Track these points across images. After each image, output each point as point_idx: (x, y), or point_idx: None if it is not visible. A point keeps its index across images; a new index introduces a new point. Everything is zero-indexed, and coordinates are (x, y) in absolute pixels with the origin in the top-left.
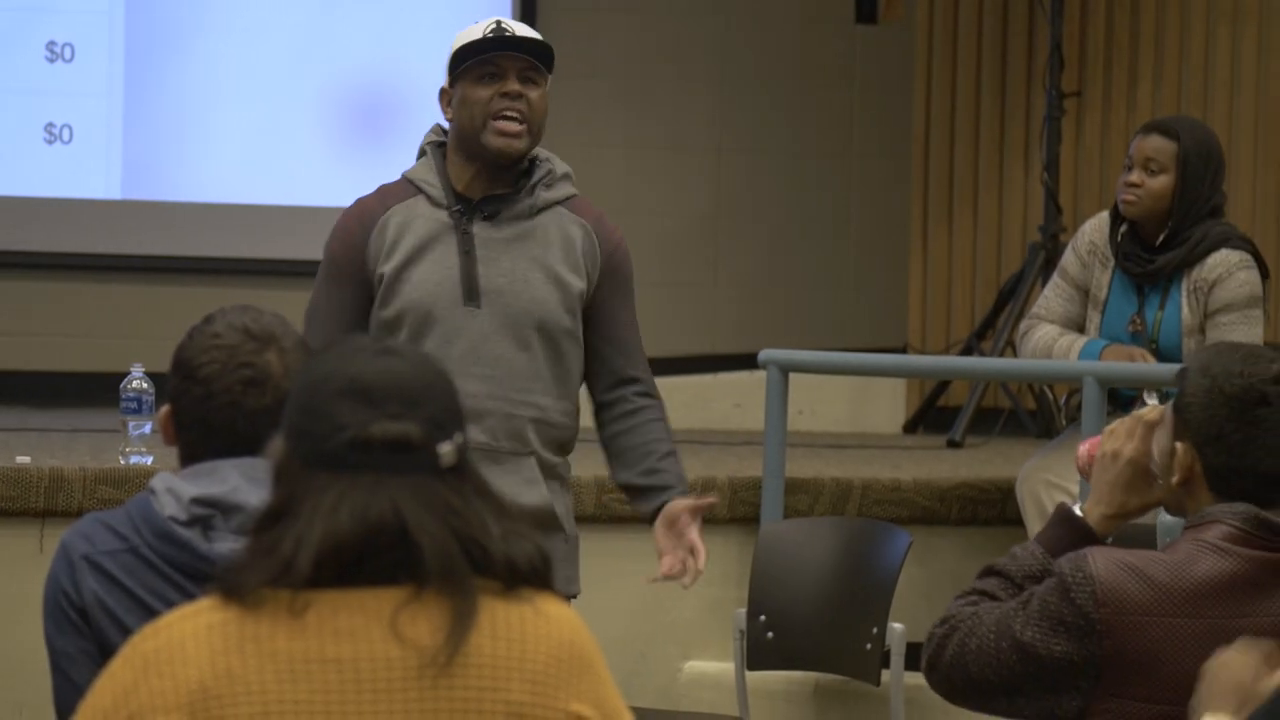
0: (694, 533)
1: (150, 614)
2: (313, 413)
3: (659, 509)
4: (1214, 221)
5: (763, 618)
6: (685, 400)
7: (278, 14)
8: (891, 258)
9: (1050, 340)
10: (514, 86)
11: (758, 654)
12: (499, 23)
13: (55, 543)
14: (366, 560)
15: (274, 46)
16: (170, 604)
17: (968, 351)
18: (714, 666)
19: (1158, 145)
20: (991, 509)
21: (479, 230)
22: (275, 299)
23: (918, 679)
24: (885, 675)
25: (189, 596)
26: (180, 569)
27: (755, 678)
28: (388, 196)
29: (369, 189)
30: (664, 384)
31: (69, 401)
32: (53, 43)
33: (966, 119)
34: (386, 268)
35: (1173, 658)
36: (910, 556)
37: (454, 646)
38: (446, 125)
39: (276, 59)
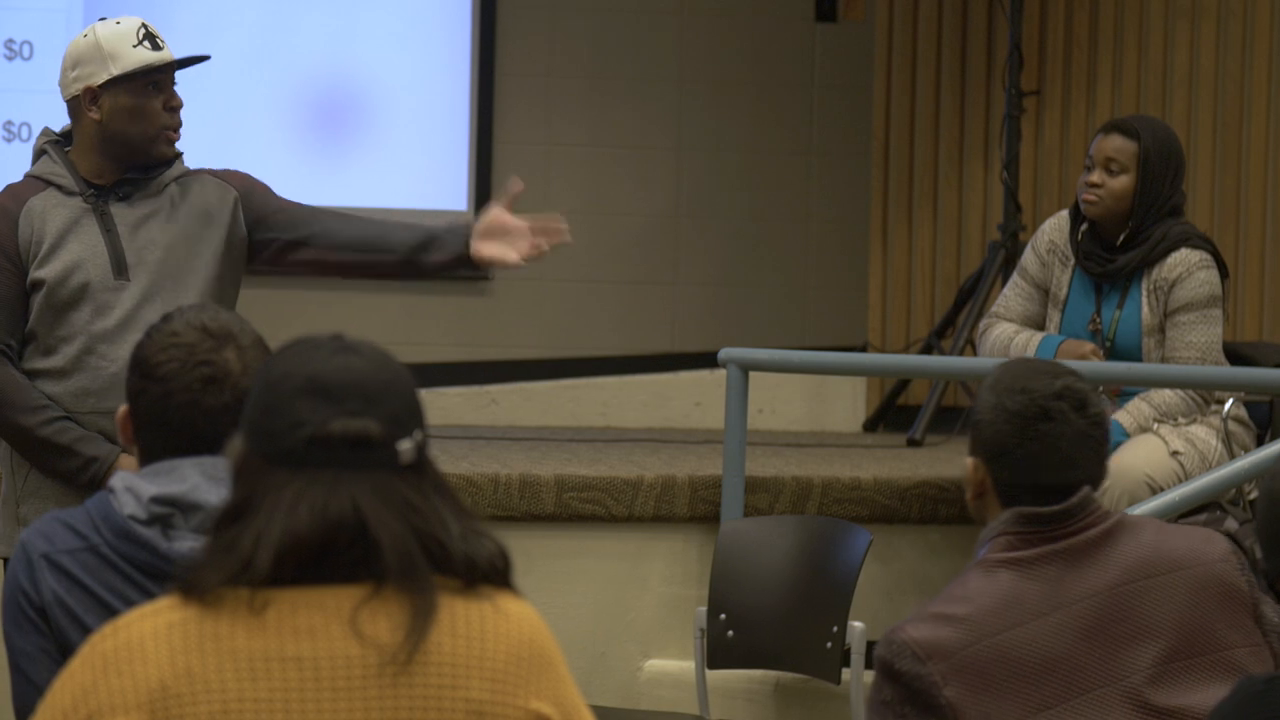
0: (522, 221)
1: (110, 613)
2: (272, 410)
3: (465, 239)
4: (1174, 221)
5: (723, 616)
6: (645, 398)
7: (235, 12)
8: (851, 256)
9: (1008, 338)
10: (177, 101)
11: (718, 653)
12: (147, 30)
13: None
14: (326, 558)
15: (231, 45)
16: (130, 603)
17: (928, 350)
18: (674, 665)
19: (1119, 145)
20: (952, 507)
21: (116, 210)
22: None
23: None
24: (846, 674)
25: (149, 595)
26: (140, 568)
27: (716, 676)
28: (21, 192)
29: (330, 187)
30: (624, 382)
31: None
32: (10, 40)
33: (926, 117)
34: (38, 253)
35: (1011, 673)
36: (870, 555)
37: (414, 644)
38: (58, 127)
39: (233, 57)
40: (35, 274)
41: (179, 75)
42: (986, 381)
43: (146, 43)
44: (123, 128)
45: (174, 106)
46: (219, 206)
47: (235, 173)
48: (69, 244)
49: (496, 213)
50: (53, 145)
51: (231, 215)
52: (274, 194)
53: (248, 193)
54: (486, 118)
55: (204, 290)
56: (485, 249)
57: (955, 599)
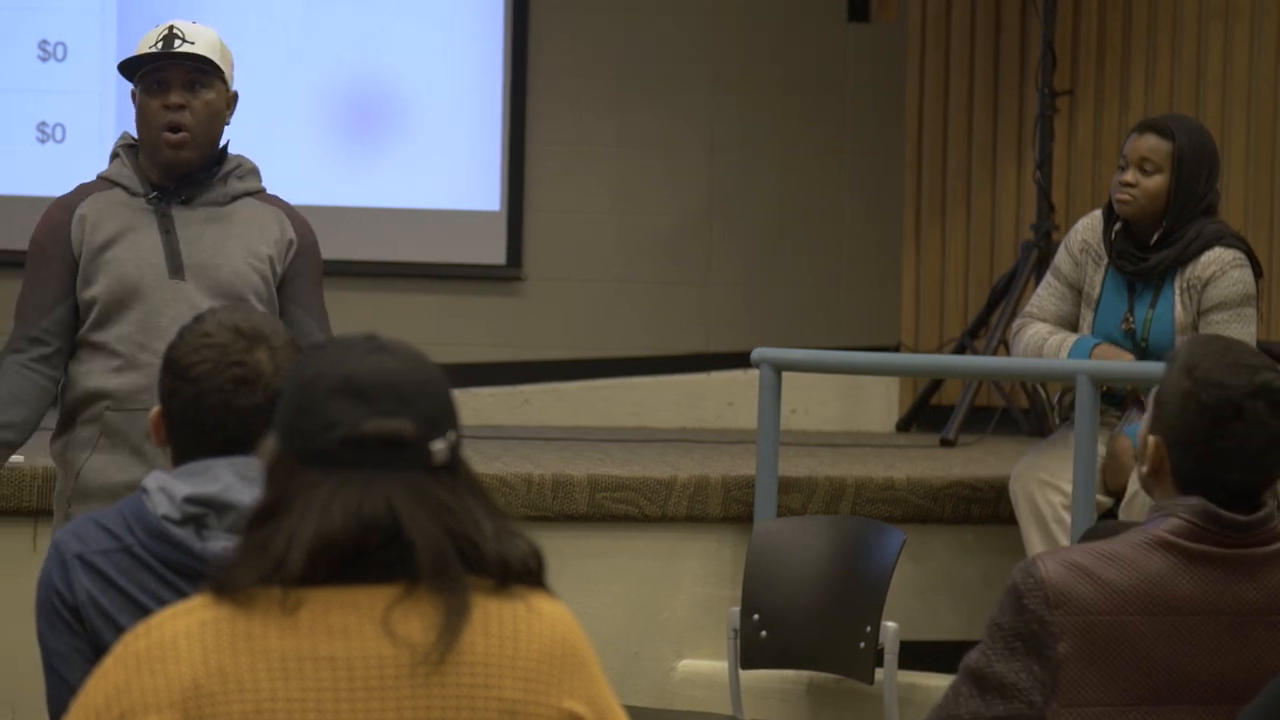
0: None
1: (143, 612)
2: (305, 410)
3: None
4: (1208, 220)
5: (756, 616)
6: (678, 399)
7: (269, 13)
8: (884, 256)
9: (1041, 339)
10: (175, 98)
11: (751, 653)
12: (171, 30)
13: (48, 542)
14: (359, 558)
15: (265, 46)
16: (163, 603)
17: (961, 350)
18: (708, 665)
19: (1153, 145)
20: (985, 507)
21: (177, 213)
22: None
23: (911, 677)
24: (879, 674)
25: (182, 595)
26: (173, 568)
27: (749, 676)
28: (86, 190)
29: (362, 188)
30: (657, 382)
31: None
32: (45, 41)
33: (959, 117)
34: (89, 250)
35: (1125, 656)
36: (904, 555)
37: (447, 644)
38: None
39: (268, 58)
40: (87, 273)
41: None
42: (1180, 360)
43: (162, 43)
44: (139, 128)
45: (169, 105)
46: (276, 241)
47: (308, 229)
48: (125, 243)
49: None
50: (125, 149)
51: (282, 254)
52: (313, 287)
53: (303, 254)
54: (519, 118)
55: (258, 301)
56: None
57: (1107, 558)
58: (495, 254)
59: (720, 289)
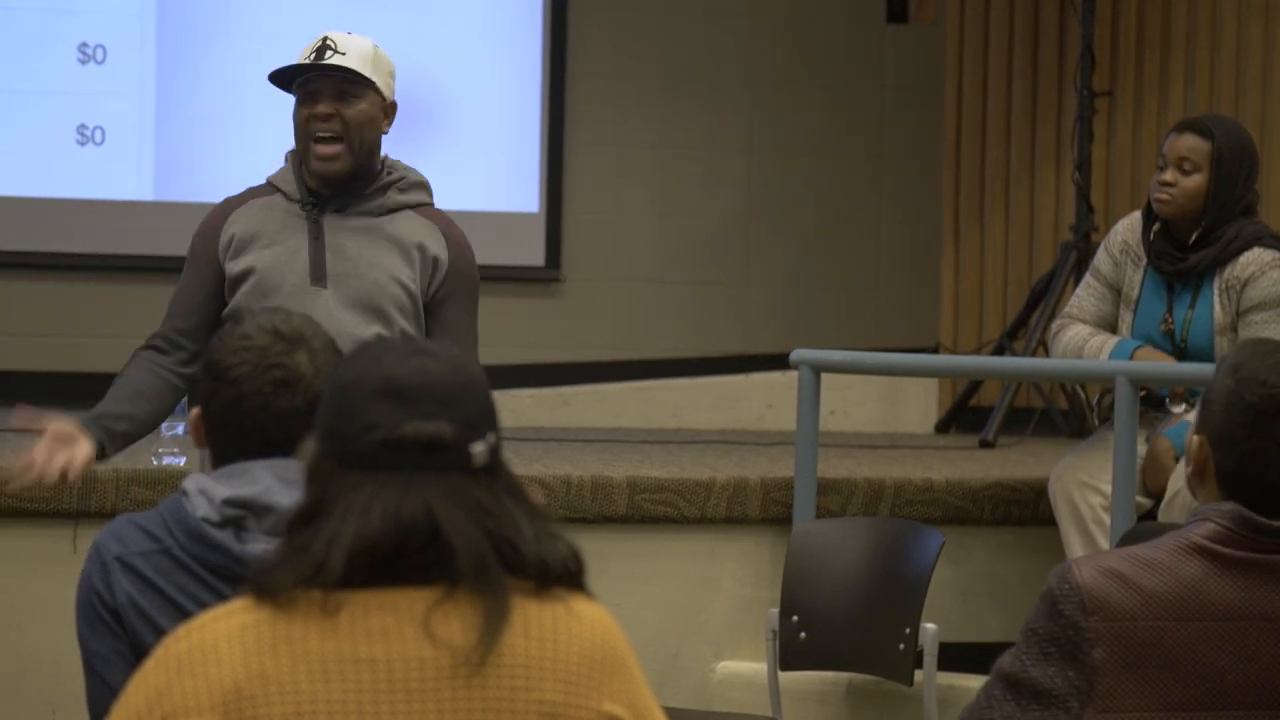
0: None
1: (183, 615)
2: (345, 413)
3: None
4: (1247, 220)
5: (795, 618)
6: (717, 400)
7: (308, 15)
8: (923, 258)
9: (1082, 340)
10: (323, 108)
11: (791, 654)
12: (324, 42)
13: (88, 544)
14: (399, 560)
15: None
16: (203, 605)
17: (1000, 351)
18: (747, 667)
19: (1192, 144)
20: (1024, 509)
21: (329, 221)
22: None
23: (950, 679)
24: (918, 675)
25: (221, 597)
26: (213, 570)
27: (788, 678)
28: (248, 194)
29: None
30: (696, 384)
31: None
32: (84, 44)
33: (998, 119)
34: (235, 252)
35: (1161, 662)
36: (943, 557)
37: (487, 646)
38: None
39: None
40: (234, 270)
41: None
42: (1228, 360)
43: (314, 55)
44: (295, 138)
45: (317, 115)
46: (426, 258)
47: (466, 249)
48: (273, 249)
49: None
50: (292, 154)
51: (431, 272)
52: (460, 313)
53: (456, 276)
54: (558, 120)
55: (393, 322)
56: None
57: (1143, 564)
58: (534, 255)
59: (759, 290)
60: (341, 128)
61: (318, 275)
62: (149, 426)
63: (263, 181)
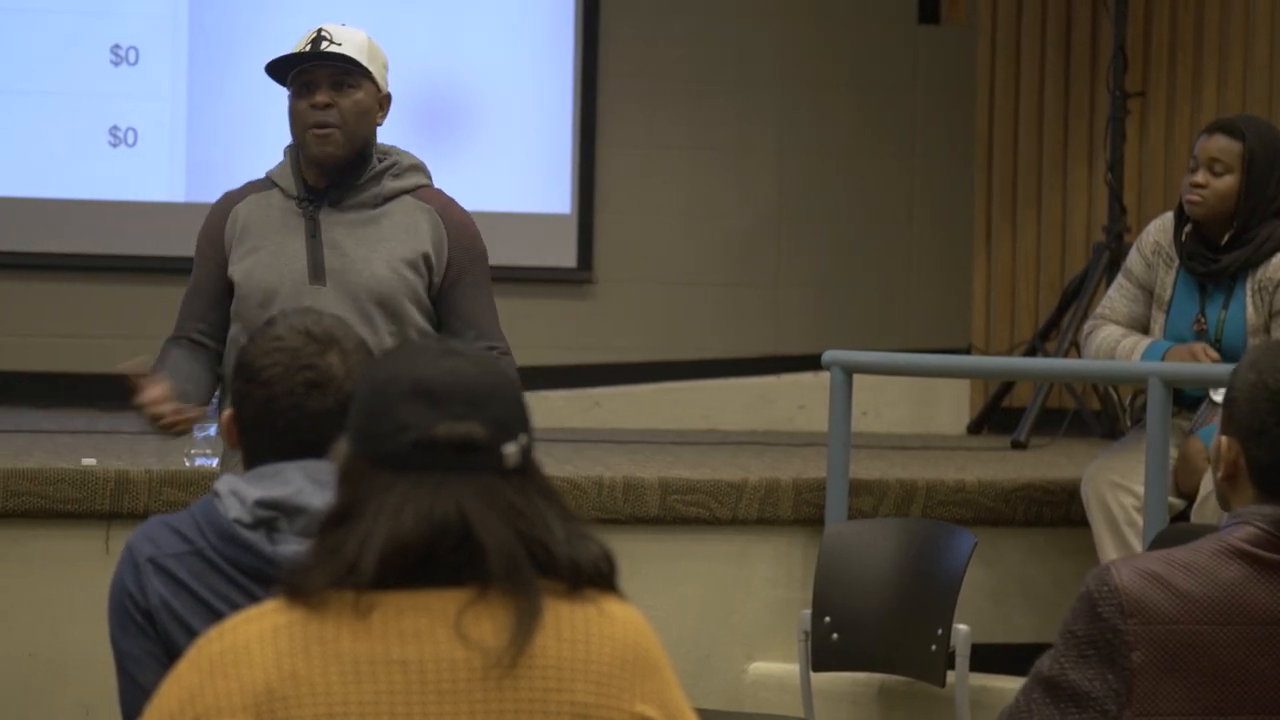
0: None
1: (215, 616)
2: (377, 414)
3: None
4: (1279, 221)
5: (828, 619)
6: (749, 401)
7: (339, 16)
8: (955, 258)
9: (1114, 341)
10: (320, 98)
11: (823, 655)
12: (319, 33)
13: (121, 545)
14: (431, 561)
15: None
16: (235, 606)
17: (1032, 352)
18: (779, 668)
19: (1223, 145)
20: (1056, 510)
21: (325, 216)
22: None
23: (983, 680)
24: (950, 677)
25: (253, 599)
26: (245, 571)
27: (820, 679)
28: (248, 189)
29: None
30: (728, 385)
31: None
32: (117, 46)
33: (1030, 119)
34: (236, 252)
35: (1200, 666)
36: (975, 558)
37: (519, 647)
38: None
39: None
40: (233, 273)
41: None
42: (1246, 359)
43: (310, 46)
44: (291, 131)
45: (315, 105)
46: (426, 241)
47: (466, 225)
48: (270, 248)
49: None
50: (290, 149)
51: (436, 255)
52: (472, 293)
53: (461, 252)
54: (589, 120)
55: (399, 310)
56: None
57: (1182, 566)
58: (566, 257)
59: (791, 291)
60: (338, 117)
61: (316, 274)
62: (203, 402)
63: (262, 177)
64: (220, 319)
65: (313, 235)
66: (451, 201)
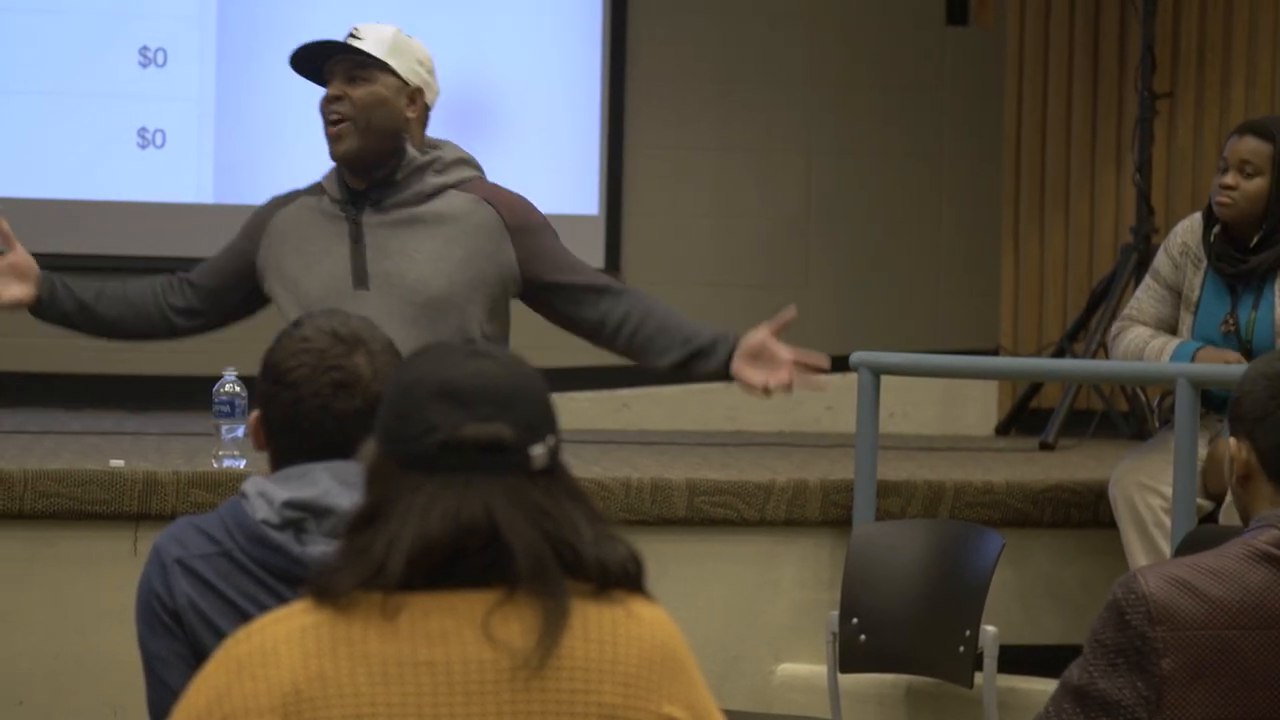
0: (786, 351)
1: (243, 617)
2: (405, 415)
3: (729, 355)
4: None
5: (855, 620)
6: (777, 402)
7: (367, 17)
8: (983, 260)
9: (1142, 342)
10: (332, 90)
11: (850, 656)
12: (350, 32)
13: (149, 546)
14: (458, 562)
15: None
16: (263, 607)
17: (1060, 353)
18: (806, 669)
19: (1253, 147)
20: (1084, 511)
21: (369, 219)
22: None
23: (1010, 681)
24: (978, 678)
25: (281, 599)
26: (273, 572)
27: (848, 680)
28: (299, 192)
29: None
30: None
31: (162, 405)
32: (145, 48)
33: (1058, 121)
34: (275, 259)
35: (1229, 672)
36: (1003, 559)
37: (546, 649)
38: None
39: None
40: (275, 282)
41: None
42: (1252, 369)
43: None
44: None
45: (327, 98)
46: (477, 233)
47: (516, 203)
48: (312, 255)
49: (764, 337)
50: None
51: (493, 245)
52: (557, 251)
53: (521, 231)
54: (617, 122)
55: (449, 311)
56: (746, 372)
57: (1208, 572)
58: (594, 258)
59: (818, 292)
60: (349, 108)
61: (359, 279)
62: (100, 328)
63: (316, 180)
64: (222, 288)
65: (356, 240)
66: (497, 187)
